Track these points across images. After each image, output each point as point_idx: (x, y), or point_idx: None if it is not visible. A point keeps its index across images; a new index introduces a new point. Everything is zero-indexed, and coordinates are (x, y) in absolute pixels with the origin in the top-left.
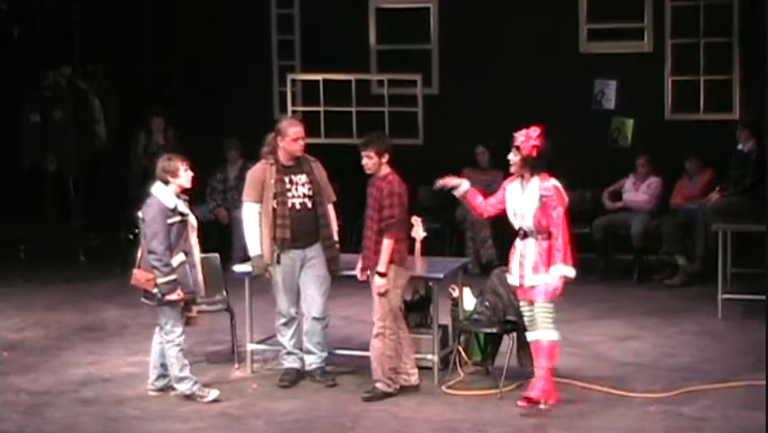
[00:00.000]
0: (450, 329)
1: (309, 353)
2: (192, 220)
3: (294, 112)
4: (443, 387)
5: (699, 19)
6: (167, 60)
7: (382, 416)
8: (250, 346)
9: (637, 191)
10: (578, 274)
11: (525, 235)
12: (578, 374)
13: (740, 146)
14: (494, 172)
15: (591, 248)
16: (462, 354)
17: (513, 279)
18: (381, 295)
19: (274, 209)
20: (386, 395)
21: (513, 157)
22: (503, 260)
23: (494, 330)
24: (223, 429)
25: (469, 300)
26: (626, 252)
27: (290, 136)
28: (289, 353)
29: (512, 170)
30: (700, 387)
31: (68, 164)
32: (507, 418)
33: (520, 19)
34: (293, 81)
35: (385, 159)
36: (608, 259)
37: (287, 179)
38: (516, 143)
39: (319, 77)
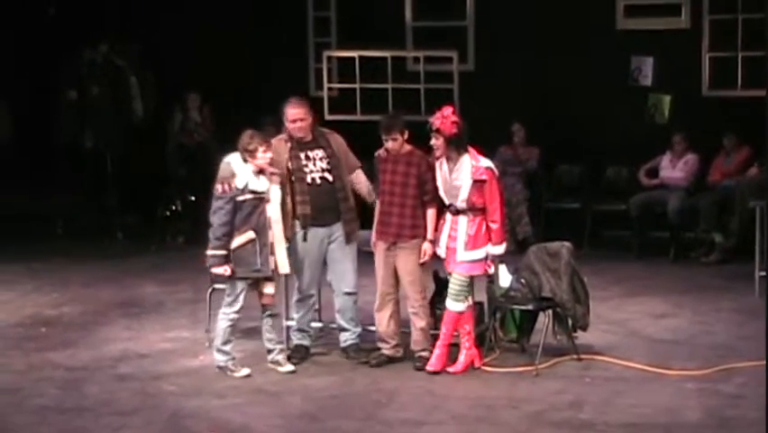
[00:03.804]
0: (485, 306)
1: (343, 330)
2: (270, 196)
3: (330, 89)
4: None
5: None
6: (203, 37)
7: (418, 392)
8: (286, 323)
9: (674, 168)
10: (614, 251)
11: (458, 212)
12: (614, 352)
13: None
14: (530, 149)
15: (628, 225)
16: (498, 331)
17: (440, 251)
18: (421, 265)
19: (292, 184)
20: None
21: (435, 141)
22: (539, 237)
23: (530, 307)
24: (259, 405)
25: (504, 277)
26: (662, 229)
27: (288, 118)
28: (299, 330)
29: (437, 154)
30: (737, 364)
31: (105, 141)
32: (542, 395)
33: None
34: (329, 58)
35: (405, 136)
36: (645, 236)
37: (302, 155)
38: (434, 127)
39: (355, 54)
